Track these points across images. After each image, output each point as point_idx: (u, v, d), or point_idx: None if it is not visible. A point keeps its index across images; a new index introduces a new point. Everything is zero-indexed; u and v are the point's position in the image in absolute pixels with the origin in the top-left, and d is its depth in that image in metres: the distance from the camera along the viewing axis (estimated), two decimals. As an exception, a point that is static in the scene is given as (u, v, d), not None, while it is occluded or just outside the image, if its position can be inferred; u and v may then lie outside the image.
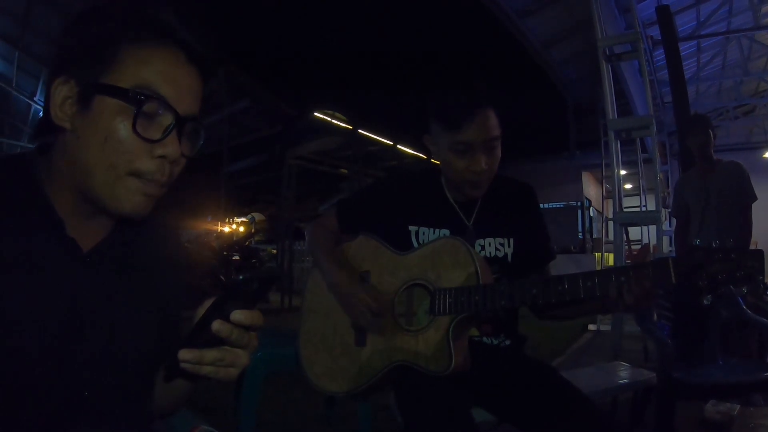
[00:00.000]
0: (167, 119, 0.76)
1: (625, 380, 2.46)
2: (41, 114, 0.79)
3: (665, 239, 5.86)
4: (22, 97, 11.25)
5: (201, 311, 0.76)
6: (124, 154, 0.74)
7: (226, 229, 13.94)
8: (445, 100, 1.45)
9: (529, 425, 1.40)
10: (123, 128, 0.73)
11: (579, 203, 16.51)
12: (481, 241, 1.54)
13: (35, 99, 11.31)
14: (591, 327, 6.28)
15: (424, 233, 1.54)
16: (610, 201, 5.91)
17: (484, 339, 1.54)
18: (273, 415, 2.83)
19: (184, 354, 0.71)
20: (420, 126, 1.54)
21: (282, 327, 2.31)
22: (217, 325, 0.70)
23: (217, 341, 0.72)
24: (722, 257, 1.16)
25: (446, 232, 1.52)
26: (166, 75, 0.76)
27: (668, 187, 9.89)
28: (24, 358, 0.73)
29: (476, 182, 1.47)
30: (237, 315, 0.71)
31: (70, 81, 0.75)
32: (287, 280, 10.00)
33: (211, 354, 0.73)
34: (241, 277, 0.69)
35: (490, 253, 1.54)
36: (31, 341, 0.74)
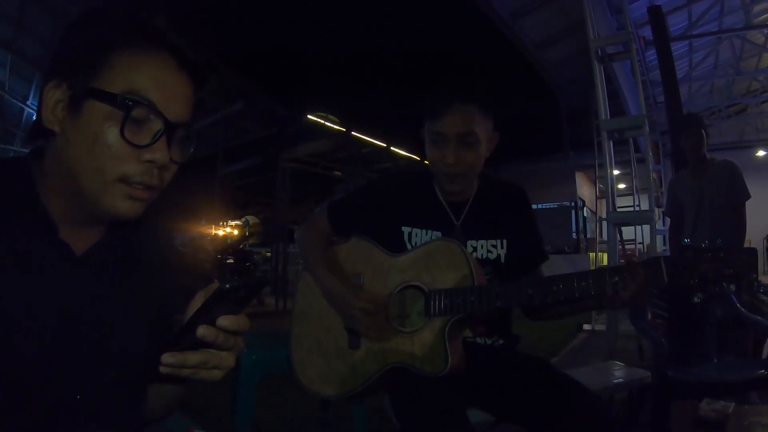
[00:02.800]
0: (156, 125, 0.76)
1: (620, 379, 2.46)
2: (34, 117, 0.79)
3: (659, 238, 5.89)
4: (14, 100, 11.18)
5: (190, 311, 0.75)
6: (111, 158, 0.74)
7: (221, 232, 13.94)
8: (433, 91, 1.49)
9: (529, 420, 1.39)
10: (111, 133, 0.73)
11: (573, 203, 16.57)
12: (473, 243, 1.53)
13: (28, 103, 11.24)
14: (586, 327, 6.29)
15: (416, 234, 1.53)
16: (604, 201, 5.94)
17: (477, 340, 1.53)
18: (269, 418, 2.82)
19: (167, 358, 0.71)
20: (414, 125, 1.57)
21: (277, 330, 2.30)
22: (202, 330, 0.70)
23: (202, 344, 0.72)
24: (711, 256, 1.18)
25: (438, 234, 1.52)
26: (157, 81, 0.76)
27: (661, 186, 9.95)
28: (18, 362, 0.73)
29: (448, 176, 1.48)
30: (223, 321, 0.71)
31: (62, 85, 0.75)
32: (282, 282, 9.99)
33: (194, 357, 0.73)
34: (227, 286, 0.68)
35: (482, 255, 1.53)
36: (25, 345, 0.73)
